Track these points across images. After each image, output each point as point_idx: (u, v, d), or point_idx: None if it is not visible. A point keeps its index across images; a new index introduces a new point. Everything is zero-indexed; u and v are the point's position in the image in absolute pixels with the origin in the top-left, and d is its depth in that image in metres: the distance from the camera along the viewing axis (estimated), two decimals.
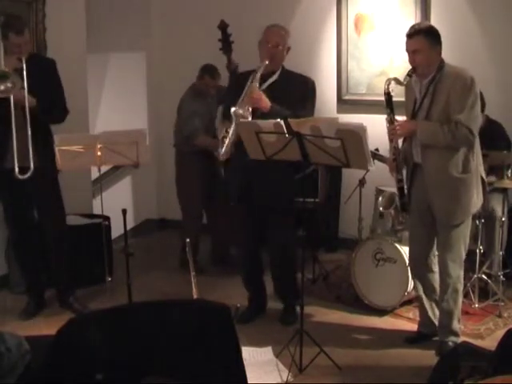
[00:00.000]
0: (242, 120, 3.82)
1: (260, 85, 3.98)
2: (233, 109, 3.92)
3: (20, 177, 3.97)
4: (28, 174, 3.97)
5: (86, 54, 5.35)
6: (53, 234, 4.40)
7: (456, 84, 3.53)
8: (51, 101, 4.17)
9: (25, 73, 3.96)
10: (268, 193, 4.07)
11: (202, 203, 5.36)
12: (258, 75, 3.96)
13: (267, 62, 3.94)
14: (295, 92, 4.00)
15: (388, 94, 3.67)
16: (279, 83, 4.05)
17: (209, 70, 5.19)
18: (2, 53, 3.94)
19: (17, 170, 3.96)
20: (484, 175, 3.78)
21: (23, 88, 3.96)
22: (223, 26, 5.18)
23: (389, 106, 3.68)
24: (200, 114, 5.13)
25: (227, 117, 4.01)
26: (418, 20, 5.18)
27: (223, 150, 4.05)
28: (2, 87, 3.85)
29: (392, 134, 3.70)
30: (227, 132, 4.01)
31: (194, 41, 6.09)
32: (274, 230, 4.20)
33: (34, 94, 4.01)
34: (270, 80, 4.05)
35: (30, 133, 3.97)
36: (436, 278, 3.87)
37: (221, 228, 5.39)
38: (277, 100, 3.92)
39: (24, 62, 3.98)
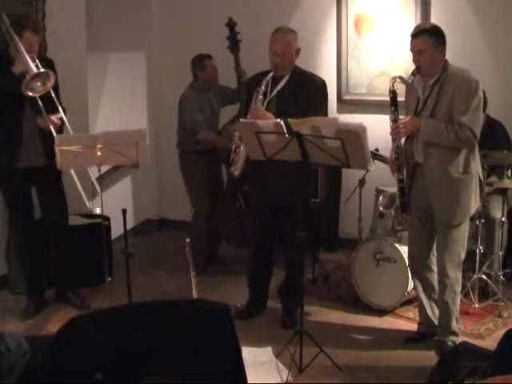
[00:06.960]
0: (241, 120, 3.82)
1: (271, 91, 3.99)
2: (237, 133, 3.99)
3: None
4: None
5: (85, 54, 5.35)
6: (55, 232, 4.42)
7: (461, 86, 3.53)
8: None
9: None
10: (282, 193, 4.05)
11: (209, 201, 5.33)
12: (262, 90, 3.96)
13: (272, 74, 3.95)
14: (303, 96, 3.97)
15: (393, 93, 3.65)
16: (286, 89, 4.02)
17: (197, 62, 5.18)
18: (22, 49, 3.93)
19: None
20: (482, 176, 3.79)
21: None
22: (231, 24, 5.15)
23: (393, 104, 3.67)
24: (201, 109, 5.11)
25: None
26: (419, 20, 5.17)
27: (237, 166, 4.13)
28: (41, 88, 3.92)
29: (396, 132, 3.69)
30: (238, 147, 4.06)
31: (194, 41, 6.08)
32: (287, 232, 4.16)
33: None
34: (278, 87, 4.02)
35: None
36: (435, 277, 3.87)
37: (216, 225, 5.39)
38: (285, 107, 3.90)
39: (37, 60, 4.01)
